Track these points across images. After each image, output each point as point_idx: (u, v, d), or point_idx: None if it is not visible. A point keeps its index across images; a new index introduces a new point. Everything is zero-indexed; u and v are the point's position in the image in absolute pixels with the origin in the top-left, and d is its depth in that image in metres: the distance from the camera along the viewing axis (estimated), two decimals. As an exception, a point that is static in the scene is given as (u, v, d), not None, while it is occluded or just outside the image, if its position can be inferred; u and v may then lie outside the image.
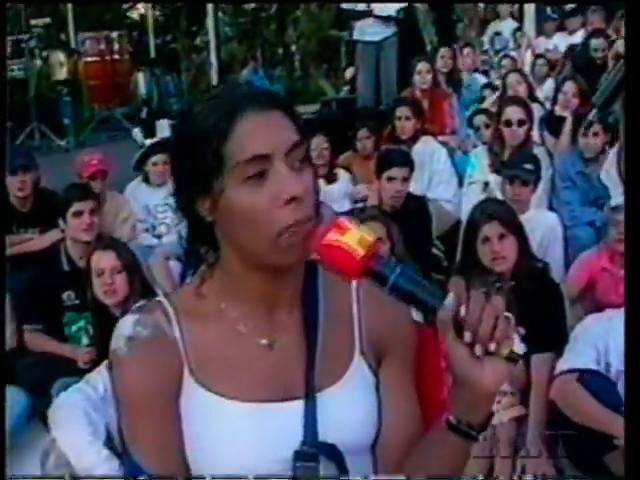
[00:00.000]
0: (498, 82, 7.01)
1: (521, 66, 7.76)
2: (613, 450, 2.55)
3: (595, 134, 4.86)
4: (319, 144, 5.35)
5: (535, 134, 5.25)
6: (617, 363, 2.77)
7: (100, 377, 2.87)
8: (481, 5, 9.89)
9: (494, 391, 1.12)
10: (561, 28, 8.41)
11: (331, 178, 5.34)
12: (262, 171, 1.14)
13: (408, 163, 4.56)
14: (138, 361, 1.22)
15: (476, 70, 7.81)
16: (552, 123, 5.60)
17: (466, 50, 7.82)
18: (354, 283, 1.30)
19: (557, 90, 5.77)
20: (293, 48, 17.05)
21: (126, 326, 1.24)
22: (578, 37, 7.83)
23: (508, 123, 4.92)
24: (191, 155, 1.17)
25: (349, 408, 1.25)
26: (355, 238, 1.08)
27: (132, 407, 1.23)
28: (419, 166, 4.92)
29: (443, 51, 6.96)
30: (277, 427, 1.21)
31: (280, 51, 17.19)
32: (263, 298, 1.24)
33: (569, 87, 5.57)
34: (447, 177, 5.32)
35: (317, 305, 1.28)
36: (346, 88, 12.05)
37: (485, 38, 9.39)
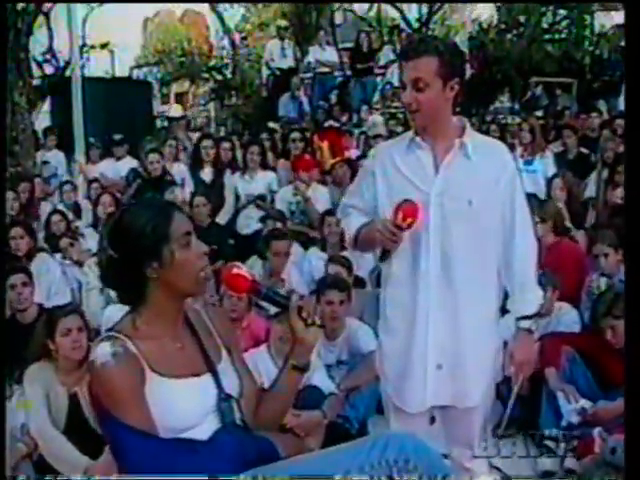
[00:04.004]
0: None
1: (81, 191, 8.83)
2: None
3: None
4: None
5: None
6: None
7: None
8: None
9: (314, 344, 2.29)
10: (109, 155, 9.64)
11: None
12: (189, 241, 2.17)
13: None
14: (122, 366, 2.10)
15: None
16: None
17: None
18: (203, 312, 2.36)
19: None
20: None
21: (107, 347, 2.12)
22: (127, 163, 9.15)
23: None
24: (147, 239, 2.11)
25: (230, 375, 2.29)
26: (245, 271, 2.28)
27: (120, 393, 2.09)
28: (36, 277, 5.63)
29: (24, 185, 7.77)
30: (201, 388, 2.20)
31: None
32: (173, 320, 2.24)
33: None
34: (63, 287, 6.17)
35: (193, 324, 2.32)
36: None
37: (37, 167, 10.12)
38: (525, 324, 2.81)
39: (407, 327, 2.79)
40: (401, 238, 2.69)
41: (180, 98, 23.04)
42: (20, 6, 9.44)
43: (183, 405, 2.15)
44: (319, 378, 4.22)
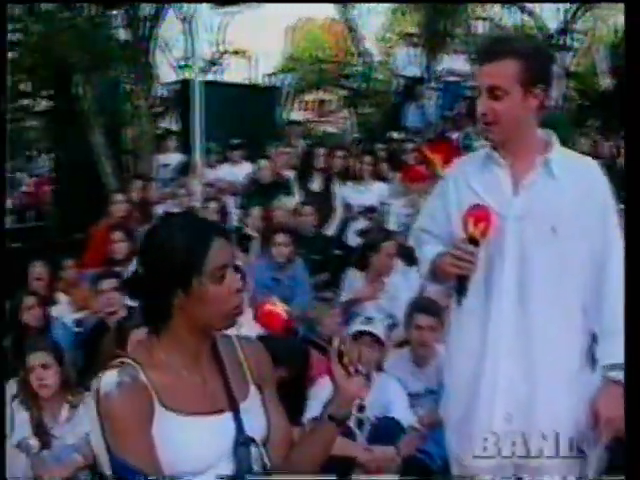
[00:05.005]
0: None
1: (192, 194, 8.76)
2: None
3: (284, 245, 5.96)
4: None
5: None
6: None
7: None
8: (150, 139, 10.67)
9: (356, 395, 1.99)
10: (225, 160, 9.60)
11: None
12: (224, 274, 1.90)
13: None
14: (127, 398, 1.87)
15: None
16: (241, 242, 6.67)
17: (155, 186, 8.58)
18: (237, 343, 2.09)
19: (244, 215, 6.89)
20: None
21: (114, 376, 1.89)
22: (243, 168, 9.08)
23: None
24: (176, 265, 1.86)
25: (255, 416, 2.02)
26: (280, 308, 1.96)
27: (123, 428, 1.86)
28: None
29: (138, 183, 7.78)
30: (217, 429, 1.94)
31: None
32: (195, 351, 1.98)
33: (255, 212, 6.74)
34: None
35: (221, 356, 2.05)
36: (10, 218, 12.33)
37: (155, 170, 10.23)
38: (614, 374, 2.39)
39: (474, 368, 2.45)
40: (477, 255, 2.33)
41: (313, 105, 23.11)
42: (145, 11, 9.56)
43: (193, 446, 1.89)
44: (399, 410, 3.88)
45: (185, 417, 1.91)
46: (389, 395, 3.90)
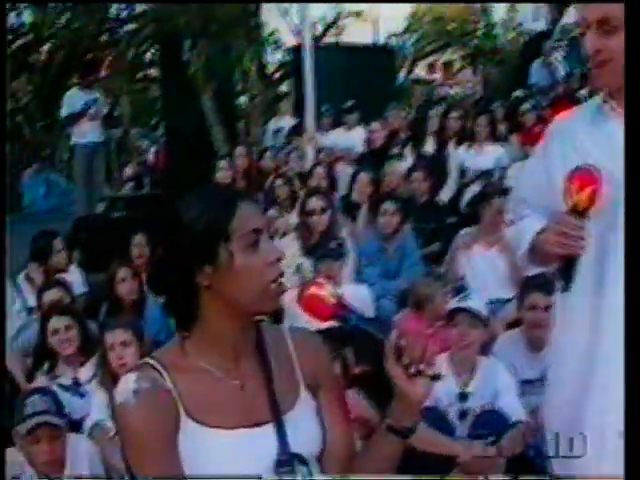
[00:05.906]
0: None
1: (304, 159, 8.42)
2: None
3: (392, 214, 5.59)
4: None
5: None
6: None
7: None
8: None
9: (422, 401, 1.60)
10: (338, 124, 9.23)
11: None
12: (256, 240, 1.58)
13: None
14: (145, 408, 1.57)
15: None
16: (349, 209, 6.33)
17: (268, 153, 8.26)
18: (289, 336, 1.75)
19: (352, 180, 6.52)
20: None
21: (130, 382, 1.59)
22: (357, 132, 8.69)
23: (311, 212, 5.52)
24: (199, 233, 1.56)
25: (305, 427, 1.68)
26: (328, 292, 1.58)
27: (141, 444, 1.57)
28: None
29: (240, 149, 7.53)
30: (254, 445, 1.61)
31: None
32: (233, 347, 1.65)
33: (363, 177, 6.35)
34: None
35: (267, 353, 1.71)
36: (129, 186, 12.42)
37: (267, 135, 10.02)
38: None
39: (581, 377, 2.03)
40: (585, 229, 1.90)
41: (439, 67, 22.48)
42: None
43: (225, 466, 1.58)
44: (507, 401, 3.43)
45: (216, 431, 1.60)
46: (497, 383, 3.48)
